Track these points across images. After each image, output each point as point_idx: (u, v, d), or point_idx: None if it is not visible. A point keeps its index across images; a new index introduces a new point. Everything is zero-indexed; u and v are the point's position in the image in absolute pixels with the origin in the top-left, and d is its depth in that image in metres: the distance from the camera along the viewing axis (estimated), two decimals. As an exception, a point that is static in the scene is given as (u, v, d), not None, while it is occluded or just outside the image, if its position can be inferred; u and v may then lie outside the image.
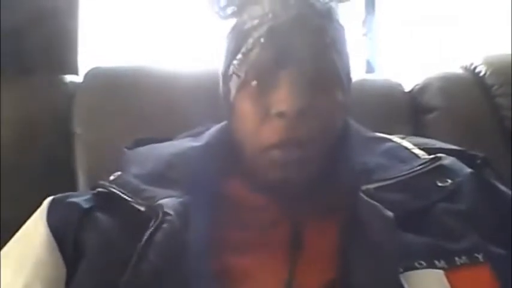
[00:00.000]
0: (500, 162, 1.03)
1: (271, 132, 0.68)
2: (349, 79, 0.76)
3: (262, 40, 0.69)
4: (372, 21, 1.61)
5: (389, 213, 0.65)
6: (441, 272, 0.62)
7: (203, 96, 0.95)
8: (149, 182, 0.71)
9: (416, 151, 0.76)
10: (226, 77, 0.74)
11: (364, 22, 1.60)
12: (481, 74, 1.16)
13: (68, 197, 0.72)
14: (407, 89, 1.17)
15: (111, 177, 0.74)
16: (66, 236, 0.68)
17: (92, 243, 0.67)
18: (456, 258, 0.63)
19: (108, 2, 1.48)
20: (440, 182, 0.70)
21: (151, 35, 1.51)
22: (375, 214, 0.65)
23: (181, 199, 0.68)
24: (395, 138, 0.80)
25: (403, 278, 0.61)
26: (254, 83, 0.70)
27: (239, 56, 0.71)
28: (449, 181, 0.70)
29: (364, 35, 1.59)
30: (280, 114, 0.67)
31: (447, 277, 0.62)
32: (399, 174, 0.70)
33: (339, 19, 0.75)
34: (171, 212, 0.65)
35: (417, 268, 0.62)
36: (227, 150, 0.75)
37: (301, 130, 0.67)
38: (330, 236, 0.68)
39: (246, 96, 0.71)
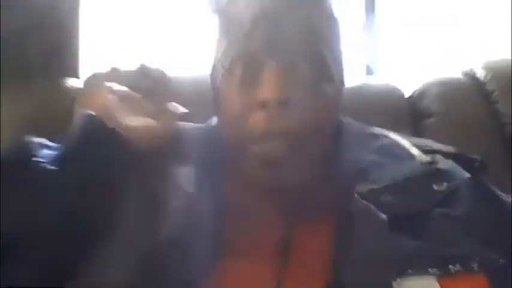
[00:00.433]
0: (500, 169, 1.03)
1: (253, 124, 0.66)
2: (342, 73, 0.73)
3: (247, 29, 0.67)
4: (372, 22, 1.61)
5: (383, 216, 0.64)
6: (434, 279, 0.61)
7: (204, 102, 0.95)
8: None
9: (413, 151, 0.74)
10: (214, 68, 0.72)
11: (364, 22, 1.60)
12: (481, 79, 1.15)
13: None
14: (406, 92, 1.17)
15: None
16: None
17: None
18: (450, 266, 0.62)
19: (110, 6, 1.49)
20: (437, 186, 0.69)
21: (152, 40, 1.51)
22: (368, 216, 0.64)
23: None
24: (392, 134, 0.78)
25: (396, 285, 0.60)
26: (238, 73, 0.68)
27: (224, 45, 0.70)
28: (446, 184, 0.69)
29: (364, 35, 1.59)
30: (263, 104, 0.65)
31: (440, 284, 0.61)
32: (395, 176, 0.69)
33: (332, 12, 0.72)
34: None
35: (410, 275, 0.61)
36: (216, 148, 0.73)
37: (284, 121, 0.64)
38: (322, 238, 0.67)
39: (230, 87, 0.69)
